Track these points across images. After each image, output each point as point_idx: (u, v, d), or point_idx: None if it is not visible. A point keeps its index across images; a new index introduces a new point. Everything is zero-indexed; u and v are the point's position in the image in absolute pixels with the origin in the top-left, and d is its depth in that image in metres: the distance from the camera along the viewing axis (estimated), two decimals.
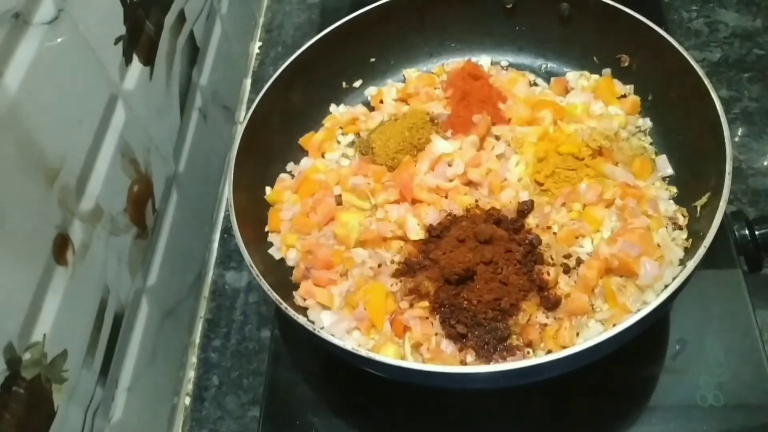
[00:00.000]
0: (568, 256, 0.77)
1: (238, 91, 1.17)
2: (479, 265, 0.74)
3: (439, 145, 0.87)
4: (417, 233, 0.80)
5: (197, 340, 0.93)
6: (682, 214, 0.79)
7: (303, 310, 0.80)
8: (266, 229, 0.87)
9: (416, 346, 0.73)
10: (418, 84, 0.98)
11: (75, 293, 0.65)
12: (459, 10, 0.99)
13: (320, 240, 0.83)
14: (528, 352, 0.72)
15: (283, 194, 0.89)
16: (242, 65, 1.20)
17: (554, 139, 0.86)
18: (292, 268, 0.84)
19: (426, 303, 0.75)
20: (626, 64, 0.92)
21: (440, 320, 0.74)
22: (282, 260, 0.85)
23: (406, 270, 0.78)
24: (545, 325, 0.73)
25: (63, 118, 0.65)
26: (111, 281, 0.72)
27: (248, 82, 1.20)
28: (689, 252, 0.76)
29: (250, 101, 1.06)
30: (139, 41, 0.80)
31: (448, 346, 0.72)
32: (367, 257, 0.81)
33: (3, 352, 0.55)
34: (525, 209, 0.81)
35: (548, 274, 0.74)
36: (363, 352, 0.65)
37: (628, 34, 0.89)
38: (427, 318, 0.74)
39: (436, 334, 0.73)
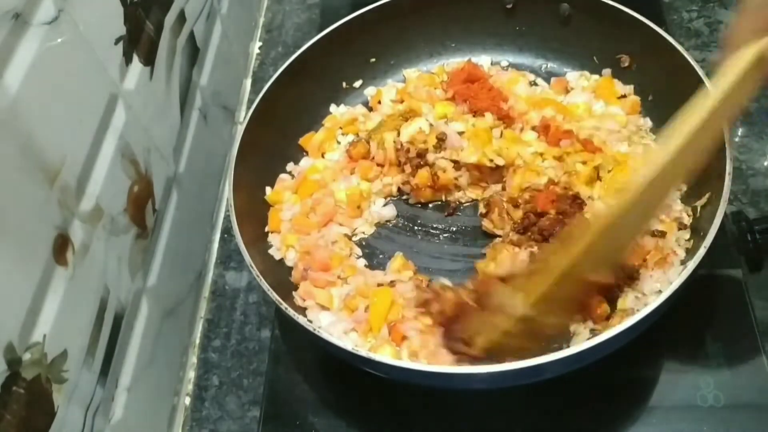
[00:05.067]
0: None
1: (238, 92, 1.17)
2: None
3: None
4: None
5: (197, 341, 0.93)
6: (687, 213, 0.79)
7: (303, 310, 0.80)
8: (266, 229, 0.87)
9: (413, 354, 0.73)
10: (419, 84, 0.98)
11: (75, 293, 0.65)
12: (459, 10, 0.99)
13: (318, 242, 0.83)
14: None
15: (283, 194, 0.89)
16: (242, 65, 1.20)
17: None
18: (292, 268, 0.84)
19: (430, 322, 0.74)
20: (626, 64, 0.92)
21: (442, 335, 0.72)
22: (282, 260, 0.85)
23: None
24: None
25: (63, 118, 0.65)
26: (111, 281, 0.72)
27: (248, 82, 1.20)
28: (689, 252, 0.76)
29: (250, 101, 1.06)
30: (139, 41, 0.80)
31: (446, 355, 0.71)
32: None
33: (3, 352, 0.55)
34: None
35: None
36: (363, 352, 0.66)
37: (628, 34, 0.89)
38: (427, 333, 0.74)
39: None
